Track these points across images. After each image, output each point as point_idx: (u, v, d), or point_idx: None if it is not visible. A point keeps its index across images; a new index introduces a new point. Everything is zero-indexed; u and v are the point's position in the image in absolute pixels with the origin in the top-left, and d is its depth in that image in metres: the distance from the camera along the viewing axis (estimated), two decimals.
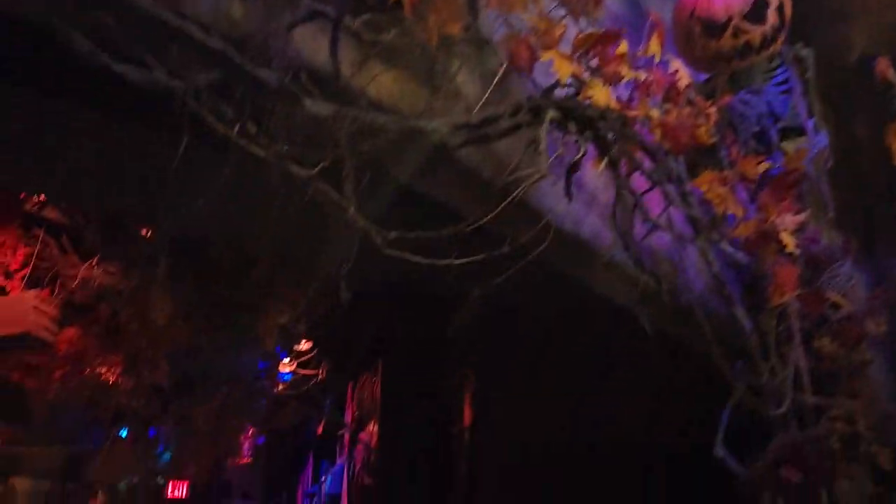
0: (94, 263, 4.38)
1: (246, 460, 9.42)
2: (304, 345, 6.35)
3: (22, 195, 4.09)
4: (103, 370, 5.90)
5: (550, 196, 2.81)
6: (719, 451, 2.82)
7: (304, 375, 6.50)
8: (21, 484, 5.35)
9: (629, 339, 3.76)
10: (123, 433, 7.44)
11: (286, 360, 6.54)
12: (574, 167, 2.28)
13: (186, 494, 10.29)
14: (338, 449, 7.80)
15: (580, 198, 2.80)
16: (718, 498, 3.07)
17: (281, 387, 7.59)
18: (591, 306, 3.81)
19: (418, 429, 5.39)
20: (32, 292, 4.18)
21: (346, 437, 7.32)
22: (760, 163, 2.54)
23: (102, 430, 5.94)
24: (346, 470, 6.99)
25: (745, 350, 2.88)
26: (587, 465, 3.91)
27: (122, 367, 6.18)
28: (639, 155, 2.38)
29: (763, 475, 2.64)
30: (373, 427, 6.00)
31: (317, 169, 1.90)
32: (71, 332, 4.71)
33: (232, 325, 5.03)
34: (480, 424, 4.97)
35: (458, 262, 1.93)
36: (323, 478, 8.04)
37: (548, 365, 4.47)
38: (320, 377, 6.49)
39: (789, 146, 2.90)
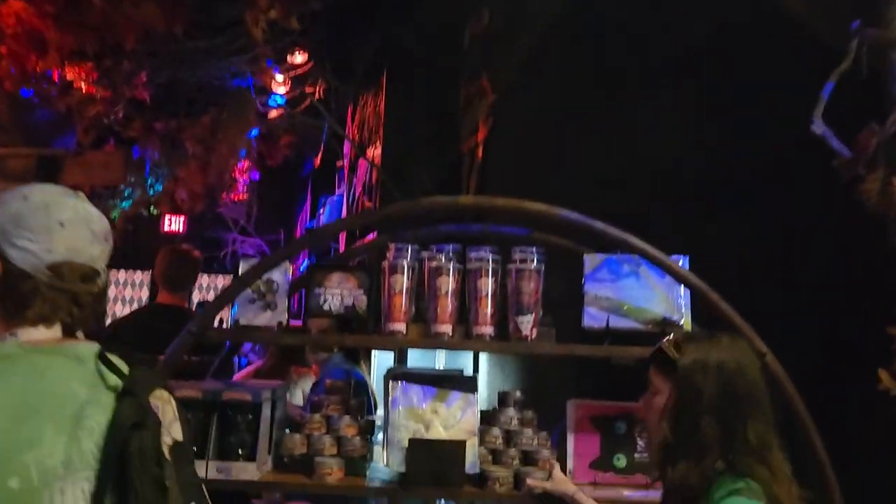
0: None
1: (242, 196, 9.10)
2: (299, 56, 5.63)
3: None
4: (71, 73, 5.25)
5: None
6: (818, 127, 2.26)
7: (299, 94, 5.84)
8: None
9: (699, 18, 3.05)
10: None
11: (279, 75, 5.86)
12: None
13: (184, 229, 10.14)
14: (336, 180, 7.41)
15: None
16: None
17: (275, 112, 6.99)
18: None
19: (426, 145, 4.87)
20: None
21: (346, 165, 6.86)
22: None
23: (77, 137, 5.42)
24: (345, 199, 6.63)
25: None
26: (623, 191, 3.31)
27: (96, 74, 5.53)
28: None
29: (875, 152, 2.11)
30: (375, 149, 5.48)
31: None
32: (17, 5, 3.95)
33: (211, 11, 4.28)
34: (496, 140, 4.42)
35: None
36: (321, 210, 7.74)
37: (581, 71, 3.79)
38: (317, 96, 5.86)
39: None
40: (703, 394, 1.50)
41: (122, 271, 9.98)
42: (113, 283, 9.95)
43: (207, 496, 1.25)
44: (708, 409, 1.49)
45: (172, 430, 1.23)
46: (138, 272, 9.99)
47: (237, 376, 3.96)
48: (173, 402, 1.27)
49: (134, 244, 8.82)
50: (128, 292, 9.96)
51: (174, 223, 10.04)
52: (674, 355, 1.55)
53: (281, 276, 2.41)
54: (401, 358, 3.52)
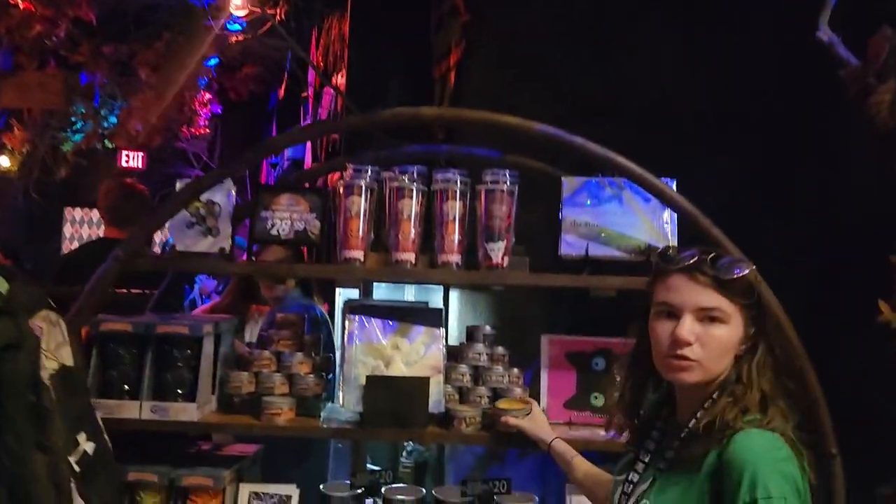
0: None
1: (204, 130, 8.67)
2: None
3: None
4: None
5: None
6: (824, 33, 2.03)
7: (261, 14, 5.44)
8: None
9: None
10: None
11: None
12: None
13: (143, 165, 9.69)
14: (301, 112, 7.05)
15: None
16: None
17: (235, 38, 6.58)
18: None
19: (394, 70, 4.56)
20: None
21: (311, 95, 6.51)
22: None
23: (18, 59, 5.01)
24: None
25: None
26: (607, 118, 3.03)
27: None
28: None
29: (886, 59, 1.89)
30: (341, 76, 5.15)
31: None
32: None
33: None
34: (470, 64, 4.13)
35: None
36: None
37: None
38: (279, 18, 5.47)
39: None
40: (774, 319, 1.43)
41: (78, 209, 9.52)
42: (69, 222, 9.52)
43: (103, 428, 1.06)
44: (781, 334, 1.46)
45: (61, 355, 1.02)
46: (94, 210, 9.55)
47: (193, 314, 3.74)
48: (63, 325, 1.06)
49: (90, 181, 8.40)
50: (84, 231, 9.54)
51: (132, 159, 9.53)
52: (757, 279, 1.35)
53: (224, 198, 2.15)
54: (366, 292, 3.30)
